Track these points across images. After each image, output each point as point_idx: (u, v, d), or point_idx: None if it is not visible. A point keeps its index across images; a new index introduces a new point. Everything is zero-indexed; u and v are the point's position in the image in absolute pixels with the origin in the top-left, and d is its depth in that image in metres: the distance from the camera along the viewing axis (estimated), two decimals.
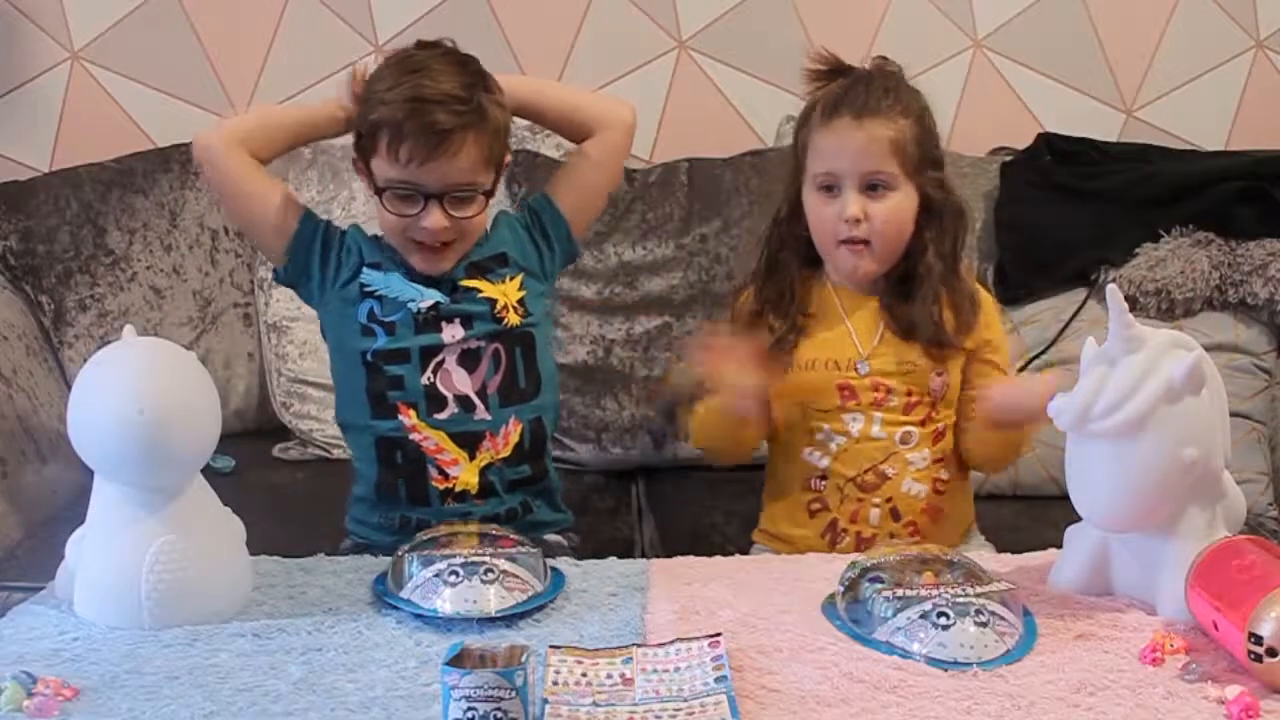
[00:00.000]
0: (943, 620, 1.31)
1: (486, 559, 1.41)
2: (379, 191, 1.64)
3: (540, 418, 1.73)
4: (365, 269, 1.69)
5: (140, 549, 1.36)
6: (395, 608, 1.40)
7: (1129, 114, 2.71)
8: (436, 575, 1.40)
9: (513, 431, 1.69)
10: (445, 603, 1.38)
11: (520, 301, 1.71)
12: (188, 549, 1.37)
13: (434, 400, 1.67)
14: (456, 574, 1.40)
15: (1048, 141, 2.46)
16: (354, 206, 2.38)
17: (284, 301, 2.37)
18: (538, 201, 1.81)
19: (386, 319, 1.67)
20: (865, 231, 1.66)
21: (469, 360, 1.68)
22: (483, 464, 1.68)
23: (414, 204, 1.63)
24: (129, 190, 2.45)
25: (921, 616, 1.31)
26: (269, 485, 2.23)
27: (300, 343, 2.36)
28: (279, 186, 1.75)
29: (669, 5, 2.65)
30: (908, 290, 1.70)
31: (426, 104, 1.59)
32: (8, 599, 1.67)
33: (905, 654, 1.29)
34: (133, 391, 1.34)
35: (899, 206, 1.67)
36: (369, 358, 1.68)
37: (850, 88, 1.68)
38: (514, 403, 1.69)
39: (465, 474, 1.68)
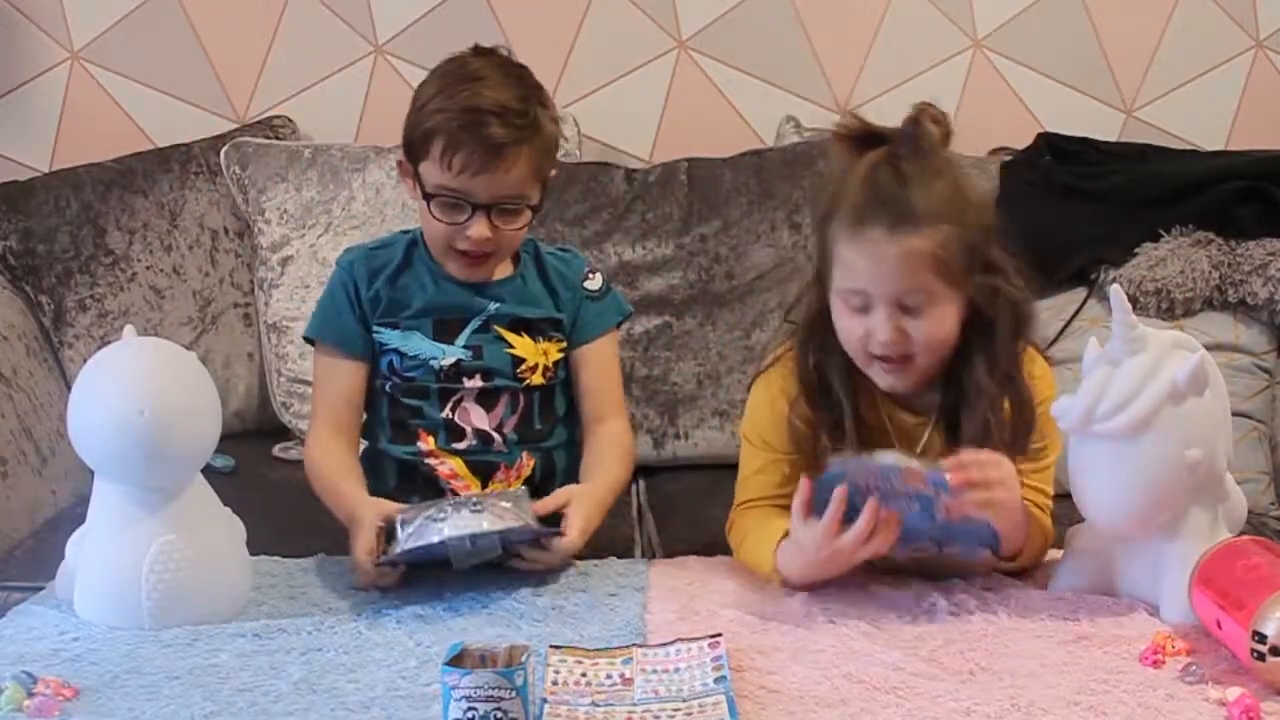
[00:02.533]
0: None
1: (472, 498, 1.50)
2: (427, 197, 1.62)
3: (552, 453, 1.74)
4: (379, 328, 1.68)
5: (140, 549, 1.36)
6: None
7: (1129, 114, 2.71)
8: (426, 518, 1.45)
9: (525, 466, 1.71)
10: (441, 533, 1.42)
11: (555, 364, 1.71)
12: (188, 549, 1.38)
13: (453, 431, 1.68)
14: (444, 512, 1.45)
15: (1048, 141, 2.46)
16: (354, 207, 2.38)
17: (284, 301, 2.36)
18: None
19: (407, 373, 1.68)
20: (902, 349, 1.45)
21: (486, 399, 1.68)
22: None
23: (461, 212, 1.61)
24: (129, 190, 2.44)
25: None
26: (269, 485, 2.22)
27: (300, 343, 2.35)
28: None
29: (669, 5, 2.65)
30: (958, 404, 1.50)
31: (482, 114, 1.57)
32: (8, 599, 1.66)
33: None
34: (133, 391, 1.34)
35: (940, 321, 1.45)
36: (388, 388, 1.70)
37: (881, 183, 1.43)
38: (530, 441, 1.71)
39: None
